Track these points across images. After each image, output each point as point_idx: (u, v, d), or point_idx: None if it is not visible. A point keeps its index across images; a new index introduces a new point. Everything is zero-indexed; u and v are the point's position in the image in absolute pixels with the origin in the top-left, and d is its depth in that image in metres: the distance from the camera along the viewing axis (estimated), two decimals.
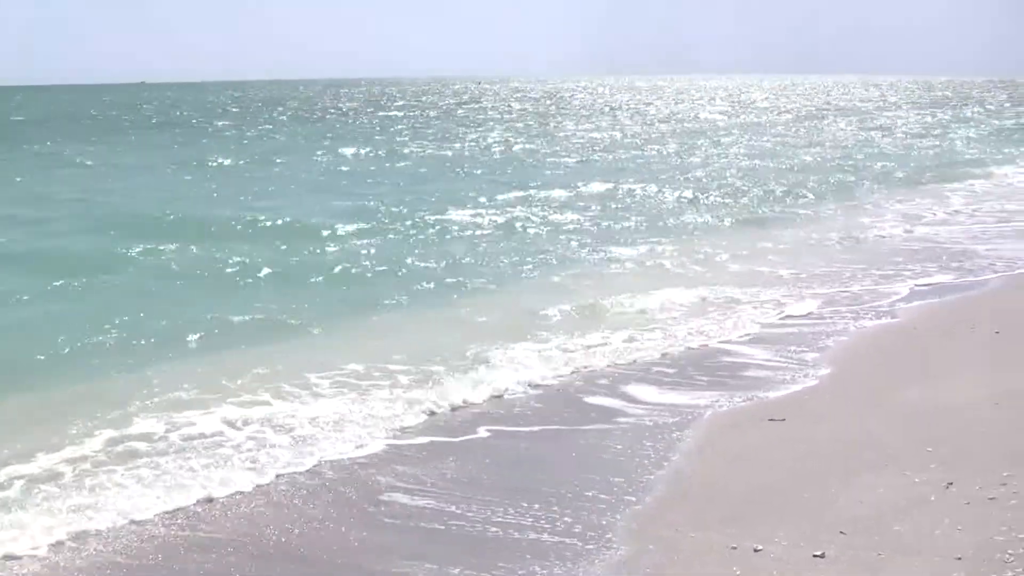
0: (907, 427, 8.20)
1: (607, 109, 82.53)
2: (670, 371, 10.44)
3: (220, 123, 66.02)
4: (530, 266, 16.56)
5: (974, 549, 5.77)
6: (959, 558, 5.70)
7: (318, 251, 17.86)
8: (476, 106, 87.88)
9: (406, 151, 40.02)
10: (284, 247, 18.18)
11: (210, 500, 7.33)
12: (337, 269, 16.26)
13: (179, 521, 7.01)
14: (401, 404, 9.32)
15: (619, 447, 8.31)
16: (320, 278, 15.59)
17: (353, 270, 16.21)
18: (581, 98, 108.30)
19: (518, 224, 20.86)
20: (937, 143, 42.96)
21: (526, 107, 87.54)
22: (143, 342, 11.59)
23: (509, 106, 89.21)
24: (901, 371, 10.01)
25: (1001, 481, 6.71)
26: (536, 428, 8.93)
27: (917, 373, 9.85)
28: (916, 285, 14.15)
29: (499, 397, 9.68)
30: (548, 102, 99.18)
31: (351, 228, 20.07)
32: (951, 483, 6.82)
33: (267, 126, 60.94)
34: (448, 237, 19.49)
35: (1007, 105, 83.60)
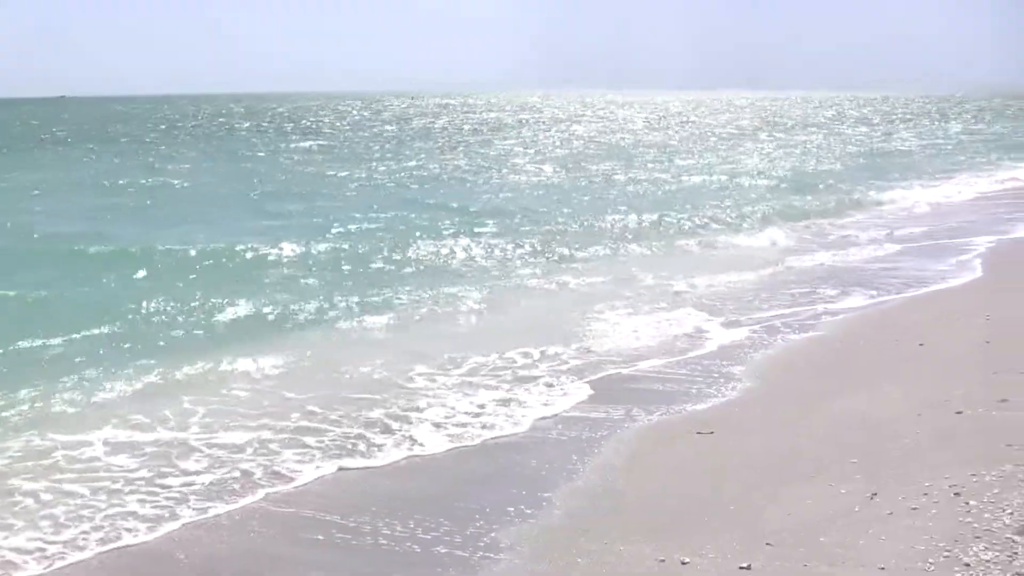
0: (833, 439, 8.37)
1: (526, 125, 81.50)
2: (596, 389, 10.51)
3: (148, 139, 64.21)
4: (429, 288, 15.81)
5: (896, 559, 5.91)
6: (882, 568, 5.83)
7: (215, 276, 17.05)
8: (397, 126, 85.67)
9: (309, 170, 38.75)
10: (169, 271, 17.31)
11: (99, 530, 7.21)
12: (236, 294, 15.15)
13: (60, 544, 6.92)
14: (305, 432, 9.17)
15: (548, 463, 8.36)
16: (237, 307, 14.49)
17: (251, 297, 15.04)
18: (496, 115, 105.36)
19: (408, 249, 19.88)
20: (836, 166, 40.85)
21: (450, 124, 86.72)
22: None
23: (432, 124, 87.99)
24: (827, 384, 10.19)
25: (923, 491, 6.88)
26: (456, 447, 8.93)
27: (843, 386, 10.04)
28: (832, 306, 14.32)
29: (410, 423, 9.52)
30: (466, 116, 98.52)
31: (256, 250, 19.16)
32: (875, 494, 6.98)
33: (184, 145, 58.61)
34: (352, 262, 18.60)
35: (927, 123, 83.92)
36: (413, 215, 24.84)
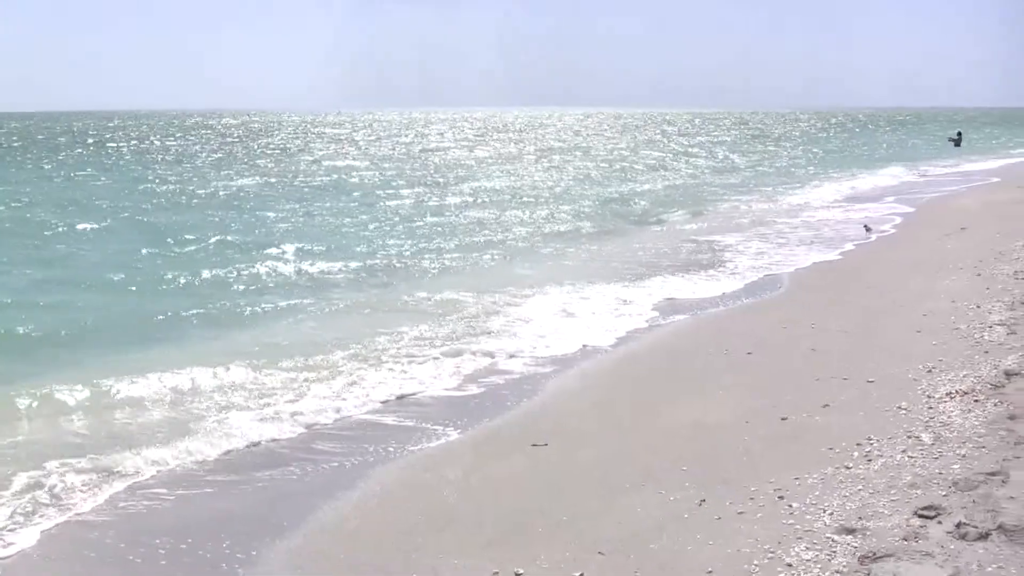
0: (664, 448, 8.68)
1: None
2: (427, 408, 10.67)
3: None
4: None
5: (723, 562, 6.20)
6: (710, 571, 6.11)
7: None
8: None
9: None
10: None
11: None
12: None
13: None
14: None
15: (384, 480, 8.44)
16: None
17: None
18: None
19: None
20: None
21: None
22: None
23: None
24: (659, 394, 10.55)
25: (749, 496, 7.24)
26: (268, 472, 8.90)
27: (674, 395, 10.41)
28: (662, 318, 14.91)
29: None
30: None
31: None
32: (704, 500, 7.29)
33: None
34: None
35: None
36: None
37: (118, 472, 8.60)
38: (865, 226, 23.49)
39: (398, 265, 20.35)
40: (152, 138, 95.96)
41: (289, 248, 22.29)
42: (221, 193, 36.52)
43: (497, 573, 6.38)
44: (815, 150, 68.51)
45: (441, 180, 42.63)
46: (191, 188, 38.26)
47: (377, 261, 20.72)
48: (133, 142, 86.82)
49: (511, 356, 12.37)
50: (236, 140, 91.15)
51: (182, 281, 18.30)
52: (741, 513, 6.96)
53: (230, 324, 14.83)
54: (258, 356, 12.32)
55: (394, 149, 73.34)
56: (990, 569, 5.63)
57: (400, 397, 10.79)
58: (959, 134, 75.40)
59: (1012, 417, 8.32)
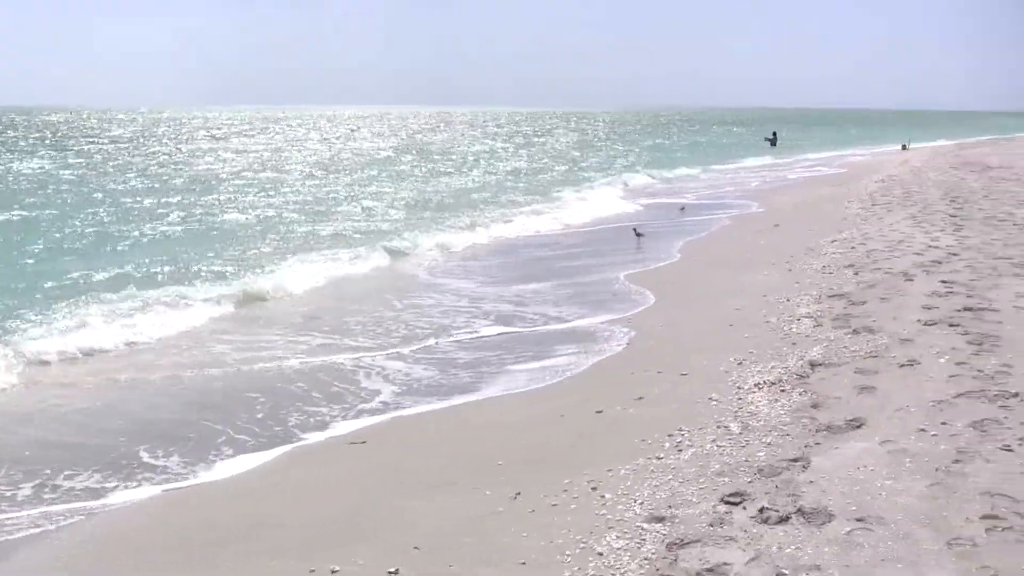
0: (480, 444, 8.88)
1: None
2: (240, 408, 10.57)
3: None
4: None
5: (536, 553, 6.39)
6: (523, 563, 6.29)
7: None
8: None
9: None
10: None
11: None
12: None
13: None
14: None
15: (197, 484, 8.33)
16: None
17: None
18: None
19: None
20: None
21: None
22: None
23: None
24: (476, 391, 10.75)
25: (563, 488, 7.46)
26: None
27: (490, 392, 10.63)
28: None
29: None
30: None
31: None
32: (519, 493, 7.48)
33: None
34: None
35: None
36: None
37: None
38: (635, 230, 23.83)
39: None
40: None
41: None
42: None
43: (313, 571, 6.41)
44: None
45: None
46: None
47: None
48: None
49: None
50: None
51: None
52: (555, 505, 7.17)
53: None
54: None
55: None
56: (788, 550, 5.98)
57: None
58: (774, 134, 78.77)
59: (815, 405, 8.84)
